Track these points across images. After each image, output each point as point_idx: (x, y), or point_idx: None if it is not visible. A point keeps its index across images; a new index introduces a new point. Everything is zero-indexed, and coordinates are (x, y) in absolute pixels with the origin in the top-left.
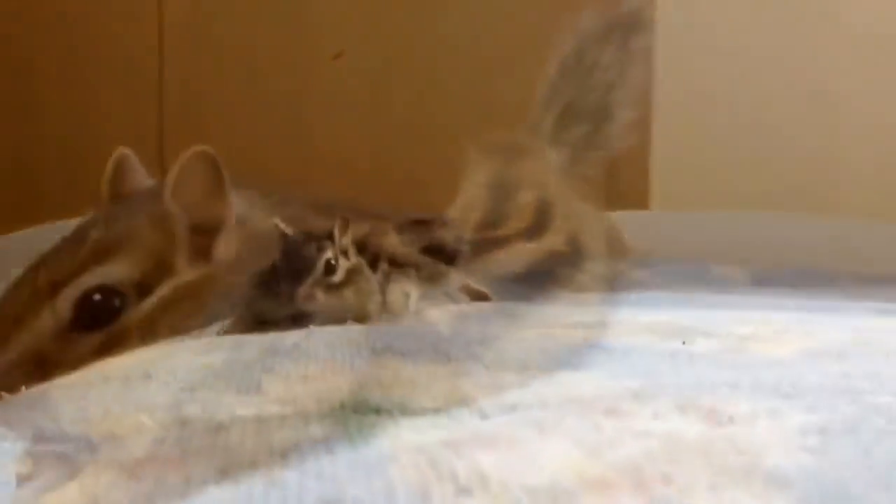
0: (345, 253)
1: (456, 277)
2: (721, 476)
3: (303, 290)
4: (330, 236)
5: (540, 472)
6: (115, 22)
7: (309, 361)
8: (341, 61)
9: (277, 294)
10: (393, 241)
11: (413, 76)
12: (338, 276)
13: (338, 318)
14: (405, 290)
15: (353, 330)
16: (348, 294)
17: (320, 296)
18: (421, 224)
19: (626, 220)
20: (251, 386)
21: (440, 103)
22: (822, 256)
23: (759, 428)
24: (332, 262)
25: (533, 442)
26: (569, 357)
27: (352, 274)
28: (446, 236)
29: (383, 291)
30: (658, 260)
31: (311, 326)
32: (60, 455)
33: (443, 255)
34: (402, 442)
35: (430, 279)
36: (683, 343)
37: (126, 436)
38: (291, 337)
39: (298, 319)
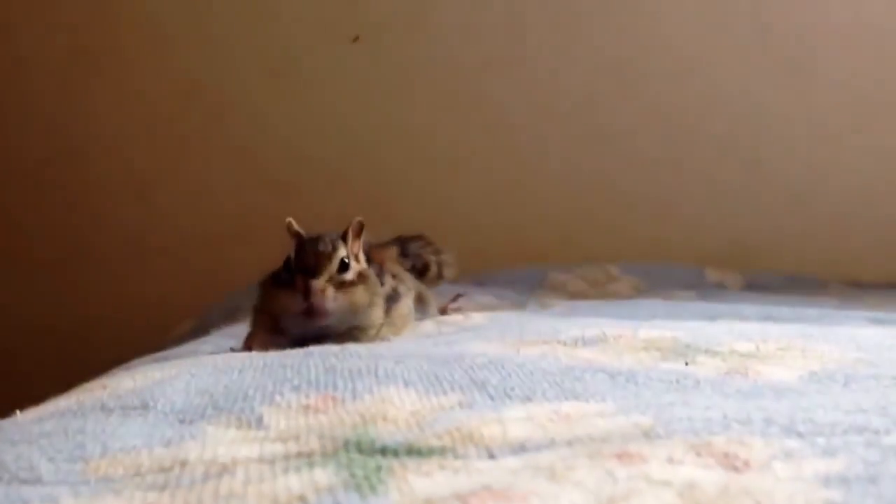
0: (356, 255)
1: (435, 300)
2: None
3: (318, 283)
4: (343, 236)
5: None
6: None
7: (310, 389)
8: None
9: (293, 287)
10: (392, 257)
11: None
12: (350, 275)
13: (347, 317)
14: (410, 308)
15: (353, 352)
16: (359, 293)
17: (332, 291)
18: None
19: None
20: (252, 419)
21: None
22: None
23: (777, 474)
24: (346, 260)
25: (546, 494)
26: (573, 384)
27: (361, 276)
28: (428, 256)
29: (389, 306)
30: (654, 264)
31: (311, 347)
32: (56, 502)
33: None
34: (412, 492)
35: (419, 301)
36: (686, 364)
37: (124, 478)
38: (290, 359)
39: (311, 314)
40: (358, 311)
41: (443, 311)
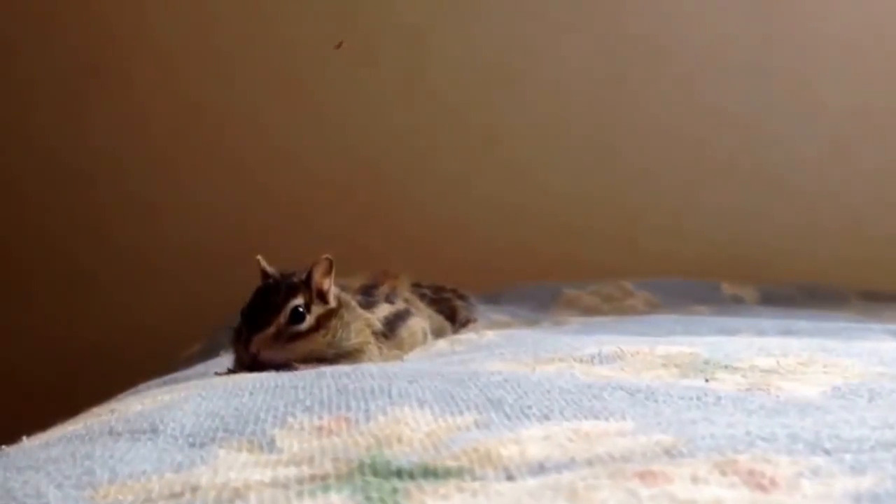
0: (323, 294)
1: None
2: None
3: (257, 340)
4: (307, 279)
5: None
6: None
7: (322, 410)
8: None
9: (240, 338)
10: (403, 283)
11: None
12: (305, 325)
13: (310, 360)
14: (423, 326)
15: (366, 372)
16: (317, 340)
17: (280, 344)
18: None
19: None
20: (264, 442)
21: None
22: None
23: (805, 492)
24: (301, 309)
25: None
26: (591, 402)
27: (325, 318)
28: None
29: (396, 325)
30: (669, 280)
31: (323, 368)
32: None
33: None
34: None
35: (440, 334)
36: (706, 380)
37: None
38: (302, 379)
39: (261, 365)
40: (323, 355)
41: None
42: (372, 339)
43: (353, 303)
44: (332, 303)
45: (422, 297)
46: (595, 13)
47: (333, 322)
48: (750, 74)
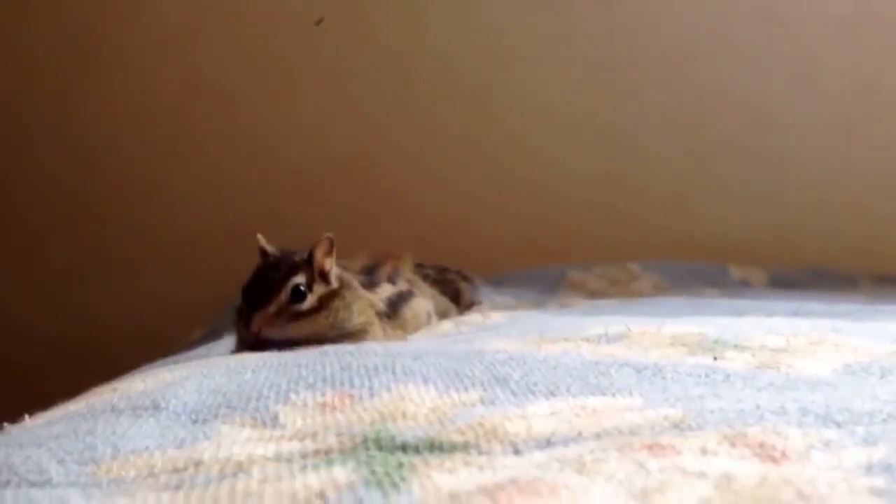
0: (324, 274)
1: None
2: None
3: (258, 318)
4: (309, 258)
5: None
6: None
7: (326, 387)
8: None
9: (241, 316)
10: (407, 263)
11: None
12: (306, 304)
13: (312, 340)
14: (426, 307)
15: (369, 350)
16: (319, 320)
17: (281, 322)
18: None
19: None
20: (267, 418)
21: None
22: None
23: (817, 463)
24: (302, 288)
25: (575, 487)
26: (598, 379)
27: (327, 299)
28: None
29: (399, 306)
30: (676, 262)
31: (326, 346)
32: None
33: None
34: (436, 488)
35: (444, 317)
36: (715, 359)
37: (136, 480)
38: (305, 357)
39: (257, 346)
40: (323, 336)
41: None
42: (375, 320)
43: (356, 283)
44: (334, 283)
45: (425, 277)
46: None
47: (335, 303)
48: (758, 53)
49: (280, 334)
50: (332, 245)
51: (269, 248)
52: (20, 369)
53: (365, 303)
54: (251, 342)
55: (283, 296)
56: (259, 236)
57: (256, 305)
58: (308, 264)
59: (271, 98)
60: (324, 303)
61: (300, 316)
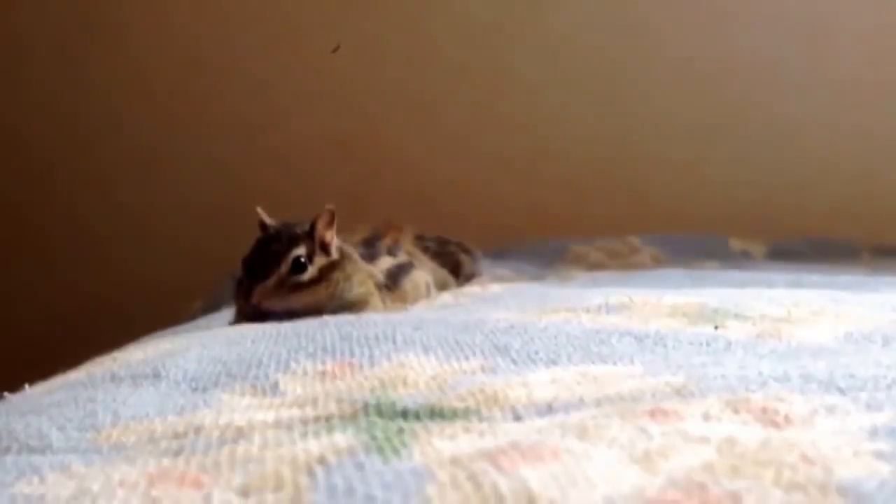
0: (325, 246)
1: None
2: (794, 493)
3: (259, 289)
4: (311, 230)
5: (592, 489)
6: None
7: (326, 356)
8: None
9: (241, 288)
10: (407, 235)
11: None
12: (307, 275)
13: (312, 312)
14: (426, 279)
15: (369, 320)
16: (319, 291)
17: (282, 294)
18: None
19: None
20: (267, 386)
21: None
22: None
23: (821, 428)
24: (303, 259)
25: (578, 451)
26: (599, 347)
27: (328, 270)
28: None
29: (398, 277)
30: (676, 235)
31: (326, 317)
32: (67, 469)
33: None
34: (437, 453)
35: (443, 288)
36: (716, 328)
37: (136, 445)
38: (305, 327)
39: (256, 318)
40: (323, 307)
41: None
42: (375, 291)
43: (356, 255)
44: (335, 254)
45: (425, 250)
46: None
47: (336, 274)
48: (762, 23)
49: (280, 306)
50: (333, 217)
51: (269, 221)
52: (21, 339)
53: (365, 274)
54: (251, 313)
55: (284, 267)
56: (259, 209)
57: (257, 277)
58: (309, 236)
59: (268, 73)
60: (324, 274)
61: (300, 287)
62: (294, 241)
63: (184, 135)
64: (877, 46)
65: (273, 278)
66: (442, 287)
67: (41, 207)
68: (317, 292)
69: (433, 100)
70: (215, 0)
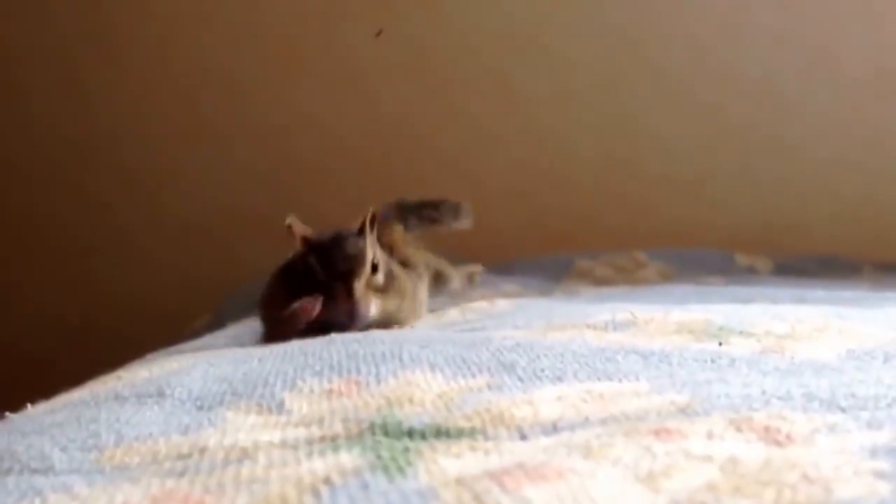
0: (374, 250)
1: (457, 273)
2: None
3: (359, 289)
4: (361, 230)
5: None
6: None
7: (332, 374)
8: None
9: (327, 294)
10: (400, 238)
11: None
12: (381, 277)
13: (386, 321)
14: (425, 296)
15: (376, 338)
16: (391, 297)
17: (372, 296)
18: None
19: None
20: (273, 404)
21: None
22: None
23: (822, 447)
24: (375, 261)
25: (582, 471)
26: (605, 365)
27: (389, 276)
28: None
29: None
30: (683, 250)
31: (333, 335)
32: (69, 491)
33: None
34: (442, 473)
35: (438, 279)
36: (720, 344)
37: (140, 466)
38: (311, 346)
39: (352, 323)
40: (394, 318)
41: (471, 279)
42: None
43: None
44: (379, 256)
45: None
46: None
47: (398, 275)
48: (767, 39)
49: (373, 310)
50: (375, 220)
51: (306, 229)
52: (24, 358)
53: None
54: (345, 318)
55: (367, 268)
56: (291, 218)
57: (349, 279)
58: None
59: (283, 84)
60: (390, 278)
61: (379, 290)
62: (362, 244)
63: (192, 148)
64: (880, 66)
65: (362, 278)
66: (437, 278)
67: (47, 218)
68: (388, 296)
69: (442, 115)
70: (222, 10)
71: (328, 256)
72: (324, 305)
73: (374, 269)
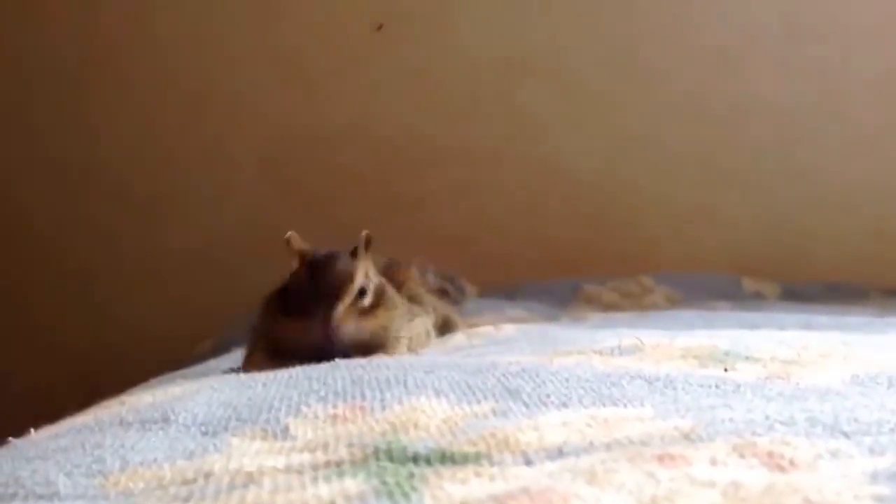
0: (366, 273)
1: (464, 323)
2: None
3: (339, 312)
4: (354, 253)
5: None
6: None
7: (337, 399)
8: None
9: (307, 315)
10: (412, 278)
11: None
12: (368, 300)
13: (368, 344)
14: (427, 328)
15: (381, 364)
16: (380, 318)
17: (353, 320)
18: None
19: None
20: (278, 430)
21: None
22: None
23: (824, 472)
24: (364, 285)
25: (586, 496)
26: (610, 390)
27: (380, 296)
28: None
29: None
30: (689, 275)
31: (337, 359)
32: None
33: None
34: (447, 498)
35: (445, 326)
36: (725, 370)
37: (145, 492)
38: (316, 371)
39: (329, 346)
40: (378, 342)
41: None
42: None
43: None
44: (376, 279)
45: (428, 288)
46: (616, 7)
47: (388, 294)
48: (776, 68)
49: (353, 334)
50: (370, 242)
51: (306, 247)
52: (27, 384)
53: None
54: (320, 342)
55: (352, 291)
56: (292, 234)
57: (331, 300)
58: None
59: (288, 111)
60: (379, 300)
61: (365, 312)
62: (353, 265)
63: (192, 172)
64: (890, 92)
65: (345, 301)
66: (445, 325)
67: (41, 252)
68: (377, 320)
69: (447, 140)
70: (222, 33)
71: (316, 276)
72: (303, 326)
73: (363, 293)
